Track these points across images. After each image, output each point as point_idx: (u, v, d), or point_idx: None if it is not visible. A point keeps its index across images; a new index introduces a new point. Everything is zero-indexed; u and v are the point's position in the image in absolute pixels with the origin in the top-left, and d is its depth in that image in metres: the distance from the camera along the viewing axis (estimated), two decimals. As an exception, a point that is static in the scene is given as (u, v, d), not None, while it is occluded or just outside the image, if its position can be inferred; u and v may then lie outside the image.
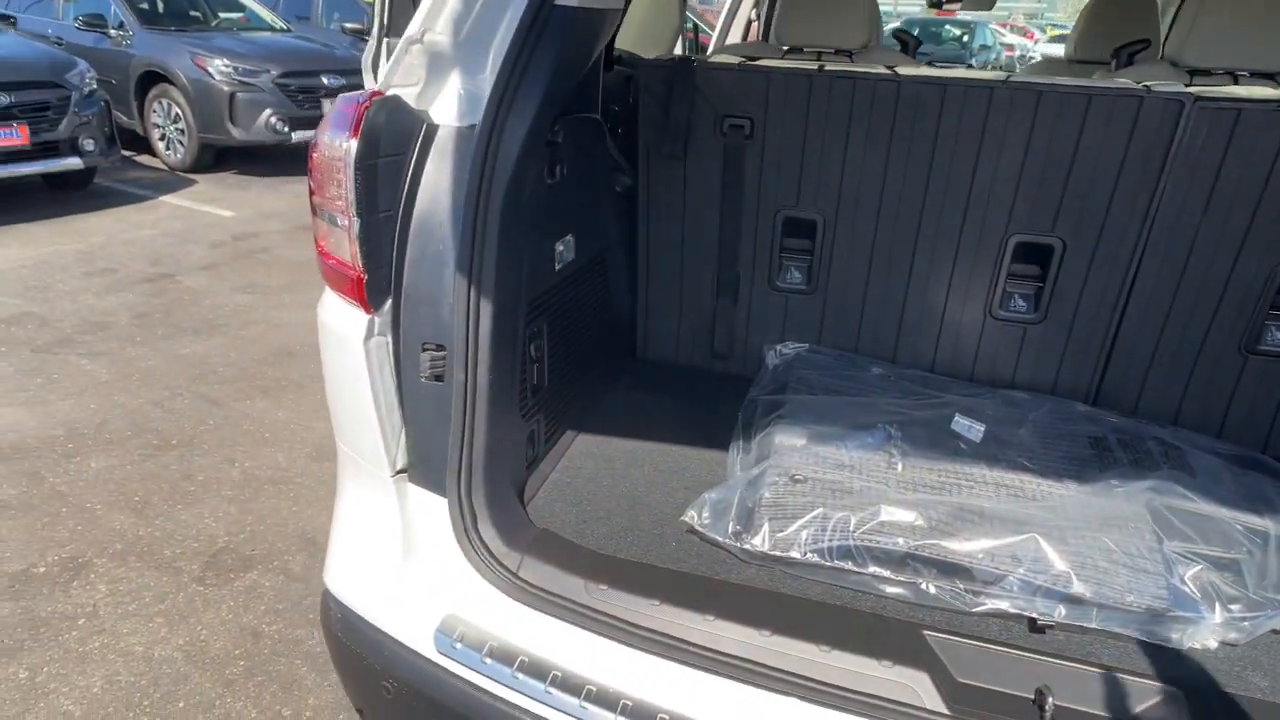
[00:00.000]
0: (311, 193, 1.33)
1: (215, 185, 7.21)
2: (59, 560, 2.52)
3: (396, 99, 1.29)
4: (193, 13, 8.44)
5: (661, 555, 1.37)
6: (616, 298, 2.09)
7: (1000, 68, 16.38)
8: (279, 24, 8.72)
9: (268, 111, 7.19)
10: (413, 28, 1.28)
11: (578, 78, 1.52)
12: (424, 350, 1.29)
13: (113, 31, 7.58)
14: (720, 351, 2.12)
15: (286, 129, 7.31)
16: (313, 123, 7.46)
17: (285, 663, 2.21)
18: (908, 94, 1.76)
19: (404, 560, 1.33)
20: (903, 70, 1.86)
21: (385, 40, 3.20)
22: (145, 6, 7.94)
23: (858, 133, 1.83)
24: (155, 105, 7.51)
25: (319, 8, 10.05)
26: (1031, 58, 19.01)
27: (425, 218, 1.27)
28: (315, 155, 1.29)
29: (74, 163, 6.11)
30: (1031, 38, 24.58)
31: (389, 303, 1.31)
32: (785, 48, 2.32)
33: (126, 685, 2.11)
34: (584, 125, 1.81)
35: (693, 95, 1.90)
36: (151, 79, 7.45)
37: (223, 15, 8.57)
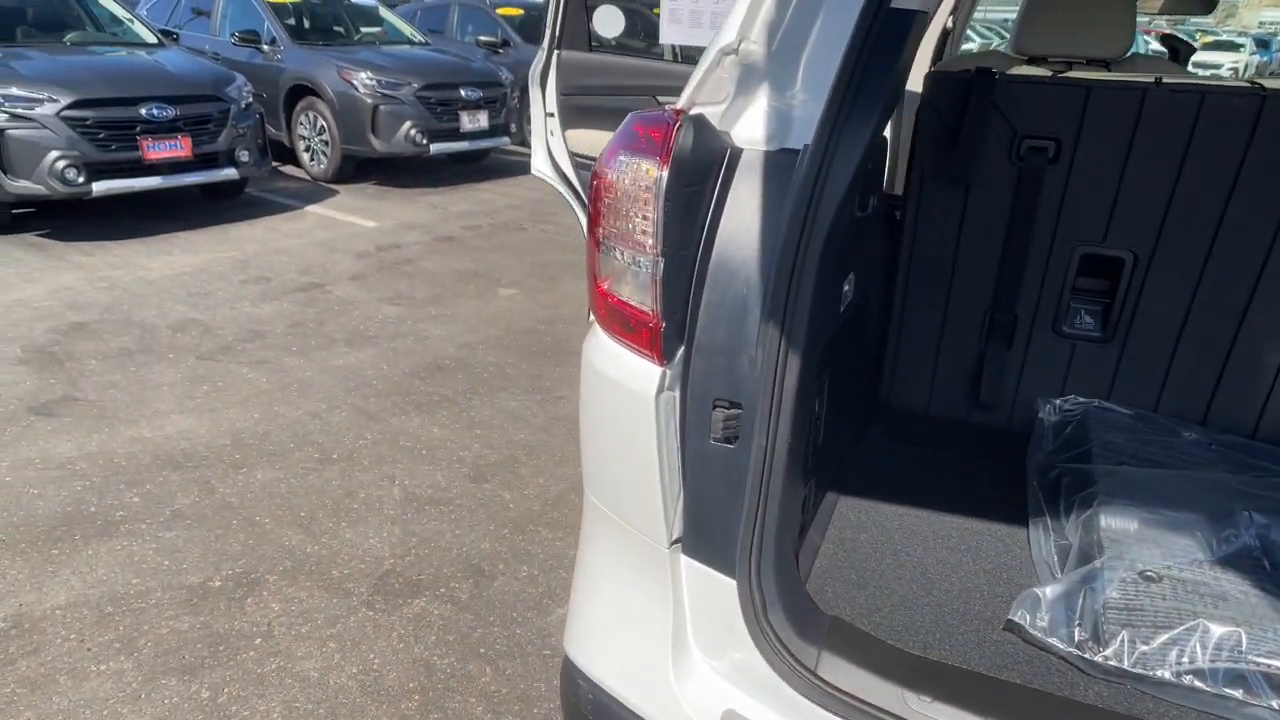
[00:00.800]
0: (593, 223, 1.18)
1: (356, 196, 7.40)
2: (233, 575, 2.51)
3: (701, 119, 1.13)
4: (337, 28, 8.75)
5: (984, 659, 1.16)
6: (870, 338, 1.89)
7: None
8: (417, 37, 8.93)
9: (408, 124, 7.34)
10: (727, 36, 1.11)
11: (902, 93, 1.33)
12: (716, 408, 1.13)
13: (265, 47, 7.91)
14: (986, 402, 1.89)
15: (425, 141, 7.44)
16: (450, 135, 7.58)
17: (460, 700, 2.11)
18: (1272, 109, 1.48)
19: (676, 643, 1.17)
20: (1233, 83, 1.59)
21: (557, 53, 3.10)
22: (293, 22, 8.27)
23: (1196, 156, 1.57)
24: (302, 117, 7.79)
25: (454, 21, 10.28)
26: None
27: (727, 256, 1.10)
28: (608, 182, 1.14)
29: (230, 174, 6.37)
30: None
31: (680, 352, 1.15)
32: (1026, 58, 2.08)
33: (305, 714, 2.04)
34: (878, 148, 1.63)
35: (988, 112, 1.68)
36: (300, 92, 7.73)
37: (364, 30, 8.85)
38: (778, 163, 1.09)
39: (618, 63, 3.12)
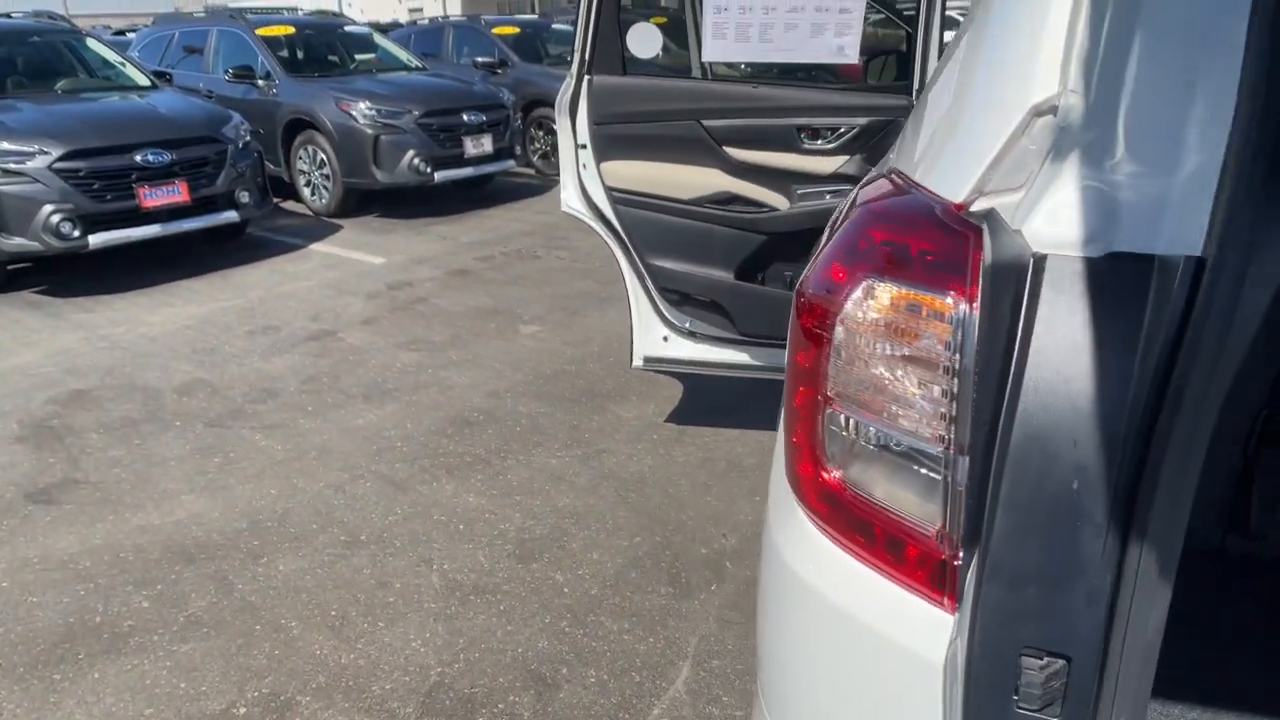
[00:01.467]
0: (804, 371, 0.82)
1: (361, 230, 7.11)
2: (259, 698, 2.19)
3: (996, 218, 0.76)
4: (331, 57, 8.49)
5: None
6: None
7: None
8: (414, 63, 8.66)
9: (411, 153, 7.05)
10: (1036, 92, 0.73)
11: None
12: (1026, 658, 0.76)
13: (260, 82, 7.64)
14: (1259, 530, 1.52)
15: (429, 169, 7.16)
16: (454, 162, 7.29)
17: None
18: None
19: None
20: None
21: (588, 79, 2.79)
22: (286, 54, 8.01)
23: None
24: (301, 152, 7.51)
25: (449, 44, 10.02)
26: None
27: (1042, 430, 0.72)
28: (845, 318, 0.77)
29: (231, 216, 6.09)
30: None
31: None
32: None
33: None
34: None
35: None
36: (297, 126, 7.46)
37: (360, 58, 8.59)
38: (1110, 276, 0.71)
39: (655, 86, 2.82)
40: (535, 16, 10.93)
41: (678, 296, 3.02)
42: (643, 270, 3.02)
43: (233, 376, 4.18)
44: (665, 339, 3.19)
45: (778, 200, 2.84)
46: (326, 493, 3.14)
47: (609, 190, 2.91)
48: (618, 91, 2.80)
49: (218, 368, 4.29)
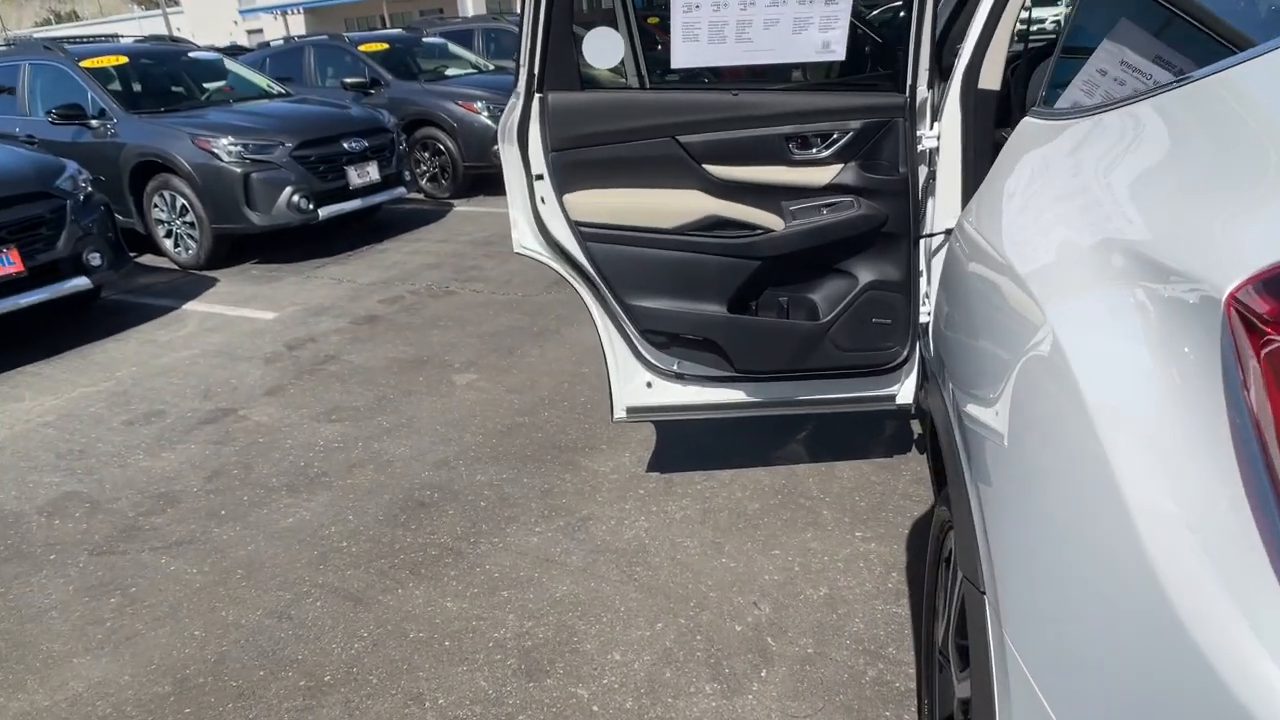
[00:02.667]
0: None
1: (241, 281, 6.33)
2: None
3: None
4: (175, 88, 7.57)
5: None
6: None
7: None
8: (275, 88, 7.86)
9: (288, 190, 6.33)
10: None
11: None
12: None
13: (93, 122, 6.70)
14: None
15: (312, 206, 6.45)
16: (339, 195, 6.63)
17: None
18: None
19: None
20: None
21: (539, 98, 2.35)
22: (120, 88, 7.06)
23: None
24: (156, 199, 6.63)
25: (310, 65, 9.20)
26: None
27: None
28: None
29: (81, 283, 5.23)
30: None
31: None
32: None
33: None
34: None
35: None
36: (148, 169, 6.57)
37: (209, 86, 7.71)
38: None
39: (622, 100, 2.40)
40: (403, 30, 10.23)
41: (664, 338, 2.62)
42: (620, 313, 2.60)
43: (116, 483, 3.48)
44: (649, 385, 2.78)
45: (769, 220, 2.48)
46: (267, 624, 2.56)
47: (576, 226, 2.47)
48: (577, 110, 2.36)
49: (93, 474, 3.57)
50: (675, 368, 2.74)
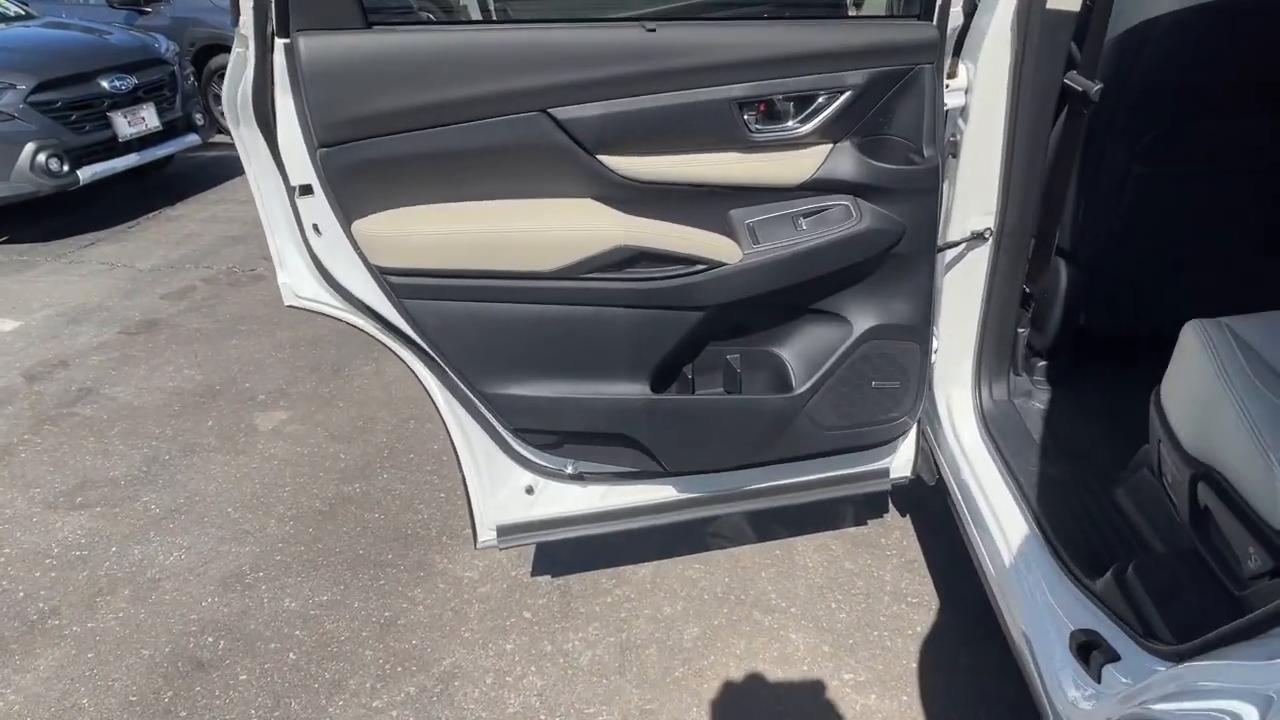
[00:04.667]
0: None
1: (-26, 272, 4.80)
2: None
3: None
4: None
5: None
6: None
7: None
8: (11, 9, 6.04)
9: (31, 147, 4.77)
10: None
11: None
12: None
13: None
14: None
15: (66, 168, 4.92)
16: (104, 150, 5.14)
17: None
18: None
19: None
20: None
21: (287, 43, 1.27)
22: None
23: None
24: None
25: (64, -26, 7.25)
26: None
27: None
28: None
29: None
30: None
31: None
32: None
33: None
34: None
35: None
36: None
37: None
38: None
39: (440, 44, 1.32)
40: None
41: (553, 437, 1.65)
42: (476, 403, 1.61)
43: None
44: (529, 491, 1.82)
45: (714, 245, 1.51)
46: None
47: (382, 275, 1.43)
48: (360, 65, 1.28)
49: None
50: (570, 469, 1.79)
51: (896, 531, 2.35)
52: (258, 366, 3.48)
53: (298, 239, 1.49)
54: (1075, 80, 1.60)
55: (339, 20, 1.26)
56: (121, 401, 3.30)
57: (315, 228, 1.45)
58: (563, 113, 1.36)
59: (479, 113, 1.34)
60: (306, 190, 1.40)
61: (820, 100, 1.43)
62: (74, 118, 4.98)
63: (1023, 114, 1.56)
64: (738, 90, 1.39)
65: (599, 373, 1.56)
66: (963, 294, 1.79)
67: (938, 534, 2.33)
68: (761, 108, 1.43)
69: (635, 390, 1.59)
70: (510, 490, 1.81)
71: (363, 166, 1.34)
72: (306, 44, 1.25)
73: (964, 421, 1.90)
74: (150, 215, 5.54)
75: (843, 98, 1.43)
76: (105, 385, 3.43)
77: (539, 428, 1.61)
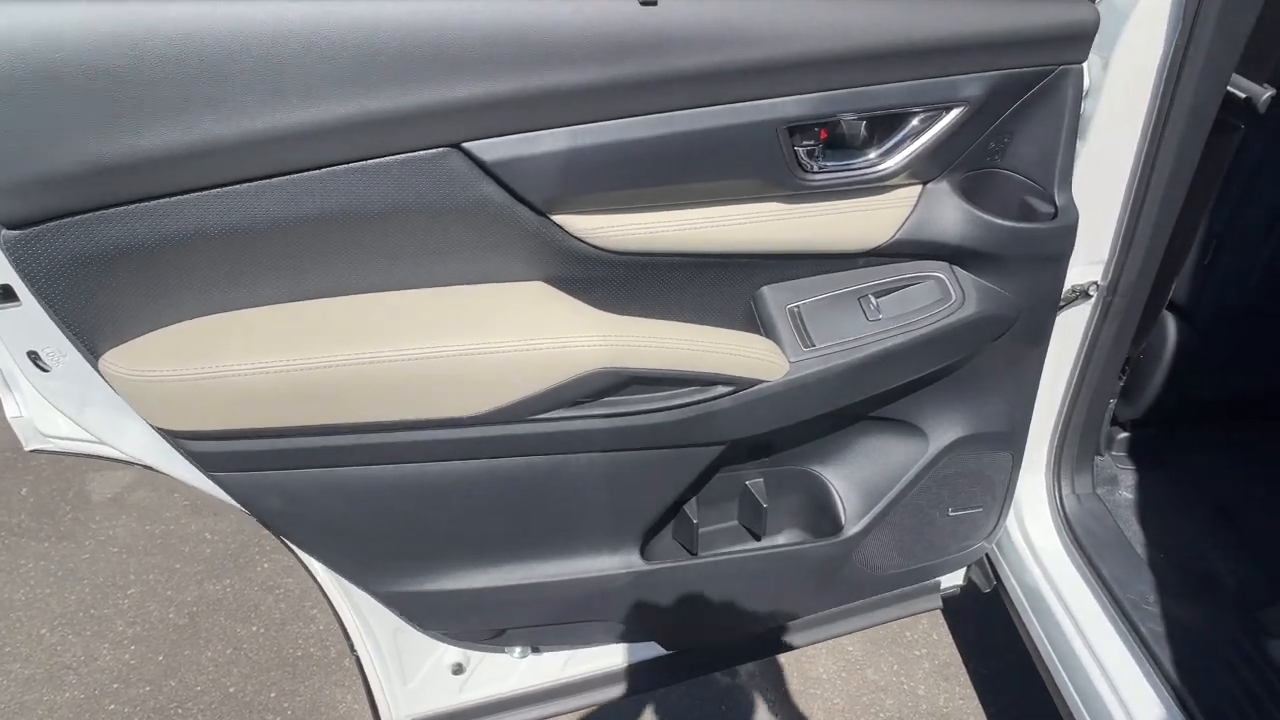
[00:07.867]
0: None
1: None
2: None
3: None
4: None
5: None
6: None
7: None
8: None
9: None
10: None
11: None
12: None
13: None
14: None
15: None
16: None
17: None
18: None
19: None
20: None
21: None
22: None
23: None
24: None
25: None
26: None
27: None
28: None
29: None
30: None
31: None
32: None
33: None
34: None
35: None
36: None
37: None
38: None
39: (215, 18, 0.69)
40: None
41: (490, 632, 1.09)
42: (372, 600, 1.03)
43: None
44: (459, 669, 1.26)
45: (745, 353, 0.93)
46: None
47: (175, 440, 0.82)
48: (55, 63, 0.65)
49: None
50: (518, 653, 1.23)
51: (923, 622, 1.89)
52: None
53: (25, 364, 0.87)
54: (1235, 83, 1.09)
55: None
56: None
57: (34, 358, 0.82)
58: (489, 149, 0.76)
59: (324, 154, 0.72)
60: (8, 296, 0.77)
61: (915, 122, 0.87)
62: None
63: (1170, 130, 1.04)
64: (790, 107, 0.81)
65: (563, 547, 1.00)
66: (1047, 362, 1.30)
67: (971, 620, 1.89)
68: (824, 134, 0.86)
69: (617, 563, 1.04)
70: (431, 670, 1.24)
71: (104, 257, 0.72)
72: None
73: (1036, 518, 1.43)
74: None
75: (949, 116, 0.87)
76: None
77: (468, 628, 1.04)
